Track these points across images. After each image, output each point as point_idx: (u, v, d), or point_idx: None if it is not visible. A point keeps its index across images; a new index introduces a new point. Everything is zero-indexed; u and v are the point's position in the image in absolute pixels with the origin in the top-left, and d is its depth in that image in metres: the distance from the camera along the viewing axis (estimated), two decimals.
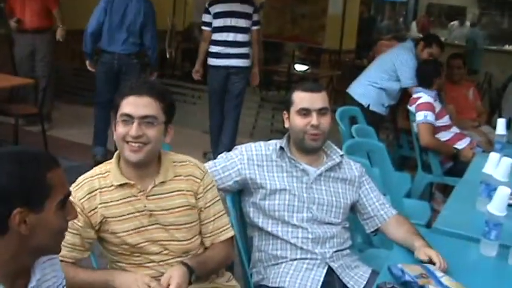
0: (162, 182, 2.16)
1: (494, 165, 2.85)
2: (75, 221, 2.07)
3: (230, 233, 2.33)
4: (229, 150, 2.63)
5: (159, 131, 2.11)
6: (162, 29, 6.53)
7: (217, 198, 2.31)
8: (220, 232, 2.29)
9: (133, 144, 2.07)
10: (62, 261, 2.01)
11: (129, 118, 2.07)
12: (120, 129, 2.08)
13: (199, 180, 2.23)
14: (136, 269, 2.15)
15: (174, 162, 2.22)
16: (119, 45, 5.66)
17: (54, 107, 7.20)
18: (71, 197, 1.86)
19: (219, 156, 2.60)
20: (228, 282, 2.37)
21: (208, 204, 2.26)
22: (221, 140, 5.91)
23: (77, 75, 8.21)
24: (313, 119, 2.47)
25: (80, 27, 6.89)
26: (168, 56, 9.37)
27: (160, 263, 2.17)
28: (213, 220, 2.27)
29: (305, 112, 2.49)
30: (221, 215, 2.30)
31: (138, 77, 5.41)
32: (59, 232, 1.49)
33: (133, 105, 2.07)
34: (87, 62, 5.83)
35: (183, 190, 2.19)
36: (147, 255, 2.17)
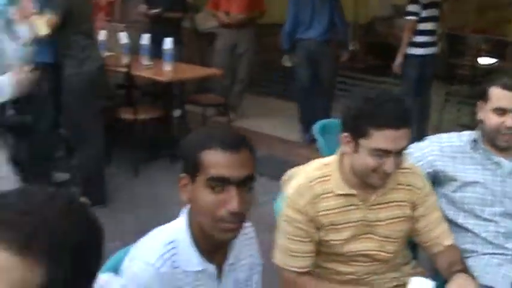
0: (383, 192, 2.10)
1: None
2: (307, 228, 2.06)
3: (451, 238, 2.23)
4: None
5: None
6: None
7: (436, 204, 2.24)
8: (445, 237, 2.21)
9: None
10: (299, 272, 2.10)
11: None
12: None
13: (419, 191, 2.16)
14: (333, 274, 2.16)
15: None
16: (314, 33, 6.00)
17: (244, 98, 7.34)
18: (293, 204, 1.99)
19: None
20: (414, 269, 2.31)
21: (428, 211, 2.18)
22: None
23: (266, 69, 8.49)
24: (509, 120, 2.36)
25: (270, 21, 7.15)
26: (350, 48, 9.38)
27: (361, 274, 2.16)
28: (435, 227, 2.19)
29: (501, 112, 2.37)
30: (441, 220, 2.23)
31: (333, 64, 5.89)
32: (215, 213, 1.50)
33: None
34: (286, 57, 6.26)
35: (400, 201, 2.13)
36: (351, 262, 2.15)
